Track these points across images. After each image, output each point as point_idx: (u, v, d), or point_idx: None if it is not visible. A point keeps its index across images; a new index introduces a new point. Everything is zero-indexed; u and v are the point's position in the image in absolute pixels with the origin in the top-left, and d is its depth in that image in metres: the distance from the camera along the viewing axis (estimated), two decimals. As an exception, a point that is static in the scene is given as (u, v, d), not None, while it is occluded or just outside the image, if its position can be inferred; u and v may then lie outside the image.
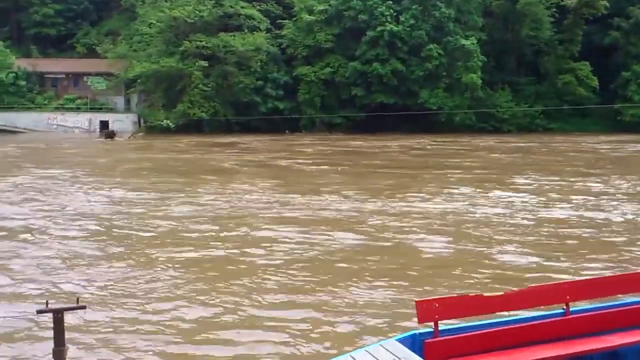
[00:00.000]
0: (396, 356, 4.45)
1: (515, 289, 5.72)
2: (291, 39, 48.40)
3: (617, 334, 5.32)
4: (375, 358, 4.46)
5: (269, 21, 48.77)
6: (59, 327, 4.42)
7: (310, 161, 27.28)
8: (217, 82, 46.68)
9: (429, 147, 35.38)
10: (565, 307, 5.38)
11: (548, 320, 5.30)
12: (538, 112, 49.28)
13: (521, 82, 50.77)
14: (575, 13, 49.20)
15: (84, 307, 4.66)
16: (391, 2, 46.47)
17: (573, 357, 5.07)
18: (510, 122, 48.46)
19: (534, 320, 5.28)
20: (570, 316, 5.34)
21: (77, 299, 4.71)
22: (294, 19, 49.04)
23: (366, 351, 4.60)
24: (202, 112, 46.13)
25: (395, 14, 46.55)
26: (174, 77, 46.70)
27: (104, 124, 49.49)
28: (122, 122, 50.42)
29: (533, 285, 6.30)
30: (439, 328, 4.92)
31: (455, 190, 17.78)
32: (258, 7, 49.12)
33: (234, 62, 46.65)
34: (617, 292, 5.85)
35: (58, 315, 4.42)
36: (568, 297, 5.37)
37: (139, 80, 49.24)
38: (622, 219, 13.54)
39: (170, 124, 45.42)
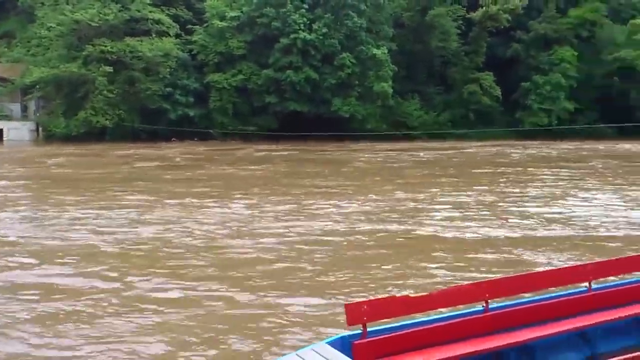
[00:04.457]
0: (326, 358, 4.63)
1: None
2: (202, 45, 47.19)
3: (530, 328, 5.67)
4: None
5: (178, 26, 47.28)
6: None
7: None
8: (123, 89, 44.82)
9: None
10: (484, 305, 5.67)
11: (468, 318, 5.61)
12: (446, 119, 50.67)
13: (430, 92, 51.94)
14: (479, 26, 51.02)
15: None
16: (304, 11, 46.29)
17: (491, 352, 5.37)
18: (420, 130, 49.41)
19: (456, 318, 5.57)
20: (489, 313, 5.66)
21: None
22: (205, 25, 47.87)
23: (297, 355, 4.74)
24: (106, 119, 44.12)
25: (308, 22, 46.39)
26: (76, 83, 44.42)
27: (-2, 133, 46.34)
28: (19, 130, 47.29)
29: (455, 285, 6.69)
30: (368, 329, 5.10)
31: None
32: (167, 12, 47.46)
33: (141, 68, 44.86)
34: (533, 288, 6.21)
35: None
36: (487, 295, 5.68)
37: (37, 86, 46.41)
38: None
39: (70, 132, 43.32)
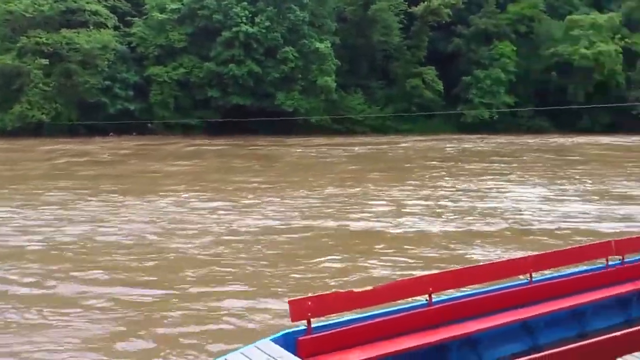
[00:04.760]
0: (270, 356, 4.56)
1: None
2: (141, 38, 46.16)
3: (474, 320, 5.77)
4: (250, 359, 4.55)
5: (116, 18, 46.14)
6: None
7: None
8: (60, 82, 43.49)
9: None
10: (428, 298, 5.74)
11: (412, 311, 5.66)
12: (389, 113, 50.90)
13: (373, 86, 52.07)
14: (421, 20, 51.33)
15: None
16: (246, 3, 45.74)
17: (435, 345, 5.40)
18: (364, 124, 49.56)
19: (400, 312, 5.61)
20: (433, 307, 5.72)
21: None
22: (145, 17, 46.84)
23: (241, 353, 4.67)
24: (42, 113, 42.74)
25: (250, 15, 45.86)
26: (10, 75, 42.95)
27: None
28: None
29: (399, 279, 6.60)
30: (312, 325, 5.08)
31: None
32: (104, 3, 46.23)
33: (79, 61, 43.58)
34: (476, 281, 6.32)
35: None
36: (431, 289, 5.75)
37: (-32, 79, 44.73)
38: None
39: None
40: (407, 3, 51.43)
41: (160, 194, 17.74)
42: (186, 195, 17.48)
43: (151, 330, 7.34)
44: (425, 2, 50.22)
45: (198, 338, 7.09)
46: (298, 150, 34.16)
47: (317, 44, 46.63)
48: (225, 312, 7.92)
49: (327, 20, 49.29)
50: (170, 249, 11.24)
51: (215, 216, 14.30)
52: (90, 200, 16.57)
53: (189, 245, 11.42)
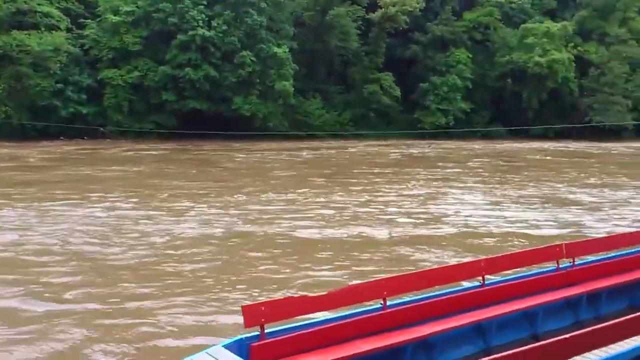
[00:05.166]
0: None
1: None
2: (94, 40, 45.26)
3: (428, 324, 5.76)
4: None
5: (69, 20, 45.22)
6: None
7: None
8: (10, 85, 42.34)
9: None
10: (382, 302, 5.73)
11: (367, 315, 5.62)
12: (347, 119, 51.03)
13: (331, 91, 52.15)
14: (379, 26, 51.77)
15: None
16: (202, 7, 45.34)
17: (390, 349, 5.41)
18: (322, 129, 49.56)
19: (355, 316, 5.58)
20: (387, 310, 5.72)
21: None
22: (98, 19, 46.00)
23: None
24: (-10, 116, 41.71)
25: (207, 19, 45.46)
26: (-42, 78, 41.77)
27: None
28: None
29: (354, 283, 6.60)
30: (266, 331, 5.01)
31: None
32: (57, 5, 45.26)
33: (30, 63, 42.50)
34: (429, 284, 6.32)
35: None
36: (385, 293, 5.75)
37: None
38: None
39: None
40: (364, 9, 51.77)
41: (91, 200, 16.97)
42: (119, 202, 16.80)
43: (87, 349, 6.84)
44: (383, 9, 50.57)
45: (140, 353, 6.74)
46: (242, 156, 33.50)
47: (275, 49, 46.46)
48: (168, 324, 7.52)
49: (285, 24, 49.21)
50: (103, 259, 10.68)
51: (150, 223, 13.72)
52: (16, 208, 15.55)
53: (124, 255, 10.88)
